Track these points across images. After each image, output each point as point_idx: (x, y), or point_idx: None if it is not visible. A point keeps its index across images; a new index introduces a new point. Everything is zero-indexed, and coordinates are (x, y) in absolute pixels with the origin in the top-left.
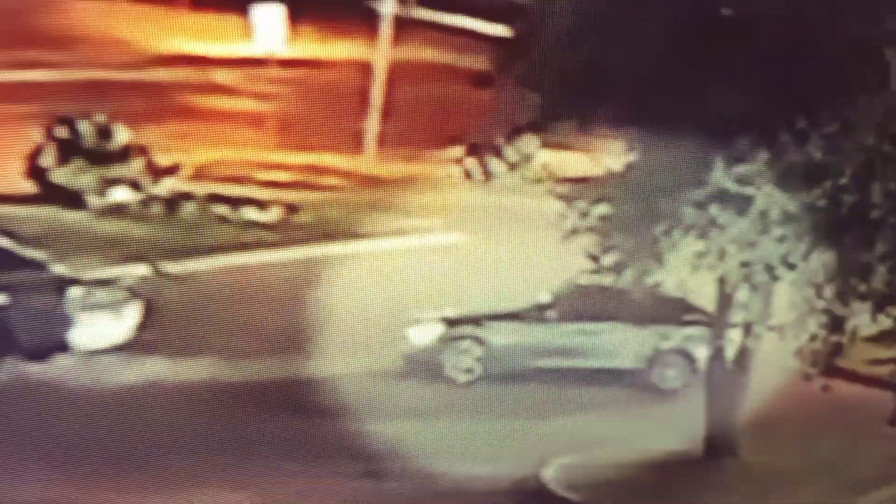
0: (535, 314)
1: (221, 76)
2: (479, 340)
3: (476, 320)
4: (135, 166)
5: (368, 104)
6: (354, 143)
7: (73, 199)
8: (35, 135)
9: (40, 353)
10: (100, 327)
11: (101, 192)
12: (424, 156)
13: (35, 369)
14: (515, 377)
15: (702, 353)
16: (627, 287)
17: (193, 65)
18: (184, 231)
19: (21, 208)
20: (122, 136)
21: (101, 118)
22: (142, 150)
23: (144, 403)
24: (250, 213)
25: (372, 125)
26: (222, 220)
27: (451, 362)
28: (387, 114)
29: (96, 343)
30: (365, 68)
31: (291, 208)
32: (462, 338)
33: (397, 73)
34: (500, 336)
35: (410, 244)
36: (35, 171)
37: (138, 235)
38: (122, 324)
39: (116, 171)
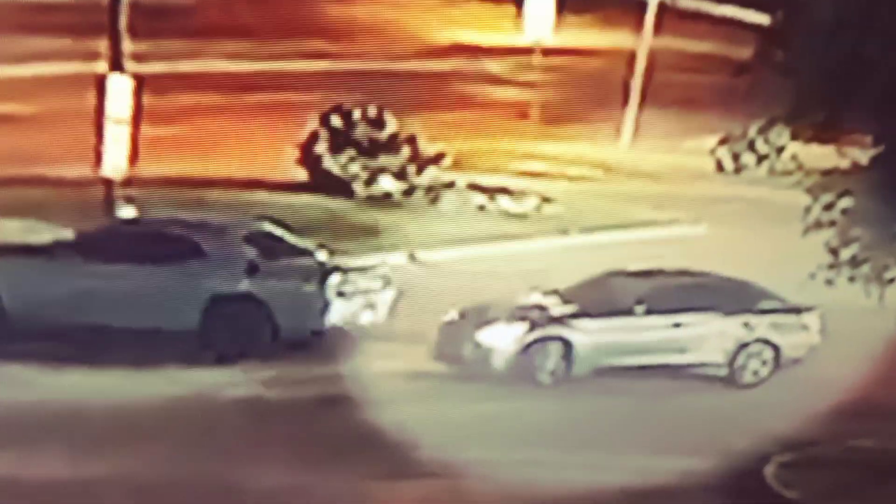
0: (625, 308)
1: (490, 65)
2: (563, 340)
3: (561, 319)
4: (402, 155)
5: (628, 94)
6: (612, 132)
7: (341, 187)
8: (311, 123)
9: (298, 339)
10: (354, 315)
11: (369, 182)
12: (679, 146)
13: (289, 353)
14: (601, 376)
15: (787, 342)
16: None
17: (465, 54)
18: (441, 220)
19: (294, 196)
20: (391, 125)
21: (373, 108)
22: (409, 140)
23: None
24: (506, 203)
25: (630, 115)
26: (479, 209)
27: (536, 362)
28: (645, 103)
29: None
30: (626, 57)
31: (546, 199)
32: (547, 338)
33: (657, 61)
34: (587, 334)
35: (657, 236)
36: (308, 159)
37: (398, 224)
38: (374, 311)
39: (384, 160)
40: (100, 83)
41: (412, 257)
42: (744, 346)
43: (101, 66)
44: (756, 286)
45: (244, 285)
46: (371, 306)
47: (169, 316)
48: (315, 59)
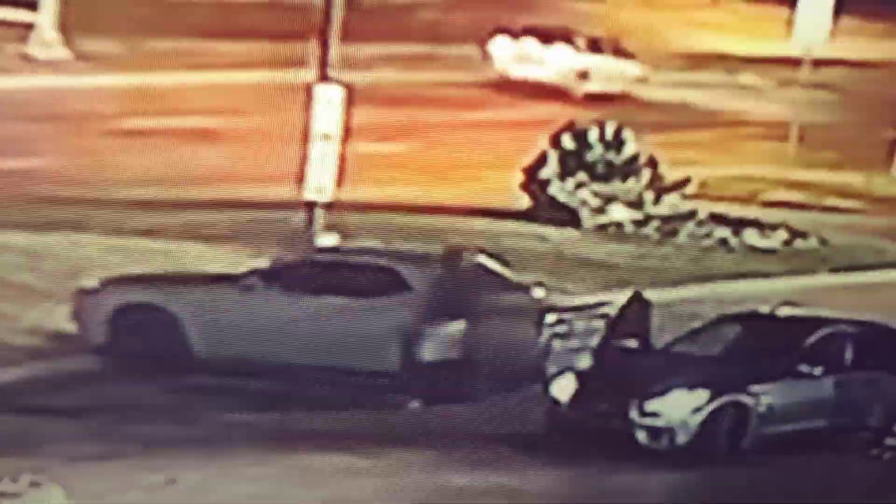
0: (805, 370)
1: (748, 78)
2: (740, 406)
3: (741, 385)
4: (640, 181)
5: None
6: (882, 158)
7: (567, 216)
8: (540, 143)
9: (508, 385)
10: (572, 360)
11: (599, 210)
12: None
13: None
14: (764, 443)
15: None
16: None
17: (721, 64)
18: (677, 255)
19: (513, 225)
20: (631, 146)
21: (611, 126)
22: (650, 163)
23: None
24: (751, 238)
25: None
26: (721, 243)
27: (712, 433)
28: None
29: (565, 378)
30: None
31: (797, 233)
32: (725, 406)
33: None
34: (760, 397)
35: None
36: (532, 184)
37: (626, 258)
38: (591, 356)
39: (619, 186)
40: (307, 93)
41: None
42: None
43: (308, 74)
44: None
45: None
46: (589, 350)
47: (368, 355)
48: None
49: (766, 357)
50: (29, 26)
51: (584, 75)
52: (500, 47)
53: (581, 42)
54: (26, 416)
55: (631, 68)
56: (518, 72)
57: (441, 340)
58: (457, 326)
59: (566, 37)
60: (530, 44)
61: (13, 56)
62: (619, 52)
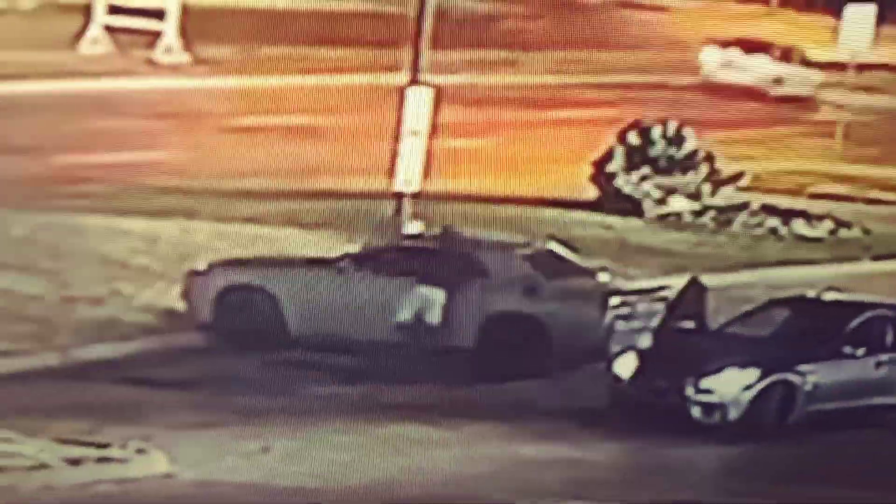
0: (848, 351)
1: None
2: (788, 384)
3: (789, 365)
4: (699, 175)
5: None
6: None
7: (631, 206)
8: (607, 140)
9: (574, 362)
10: (633, 339)
11: (661, 201)
12: None
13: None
14: (810, 420)
15: None
16: None
17: None
18: (731, 243)
19: (581, 215)
20: (691, 142)
21: (673, 124)
22: (708, 159)
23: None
24: (799, 228)
25: None
26: (772, 232)
27: (761, 409)
28: None
29: (627, 356)
30: None
31: (842, 223)
32: (774, 385)
33: None
34: (808, 376)
35: None
36: (600, 177)
37: (685, 246)
38: (652, 336)
39: (679, 179)
40: (400, 95)
41: (695, 281)
42: None
43: (401, 78)
44: None
45: (523, 306)
46: (649, 330)
47: (446, 334)
48: (617, 73)
49: (813, 338)
50: (155, 34)
51: (778, 81)
52: (709, 55)
53: (776, 52)
54: (137, 387)
55: (815, 76)
56: (724, 77)
57: (414, 306)
58: (437, 295)
59: (764, 47)
60: (734, 53)
61: (140, 60)
62: (805, 61)
